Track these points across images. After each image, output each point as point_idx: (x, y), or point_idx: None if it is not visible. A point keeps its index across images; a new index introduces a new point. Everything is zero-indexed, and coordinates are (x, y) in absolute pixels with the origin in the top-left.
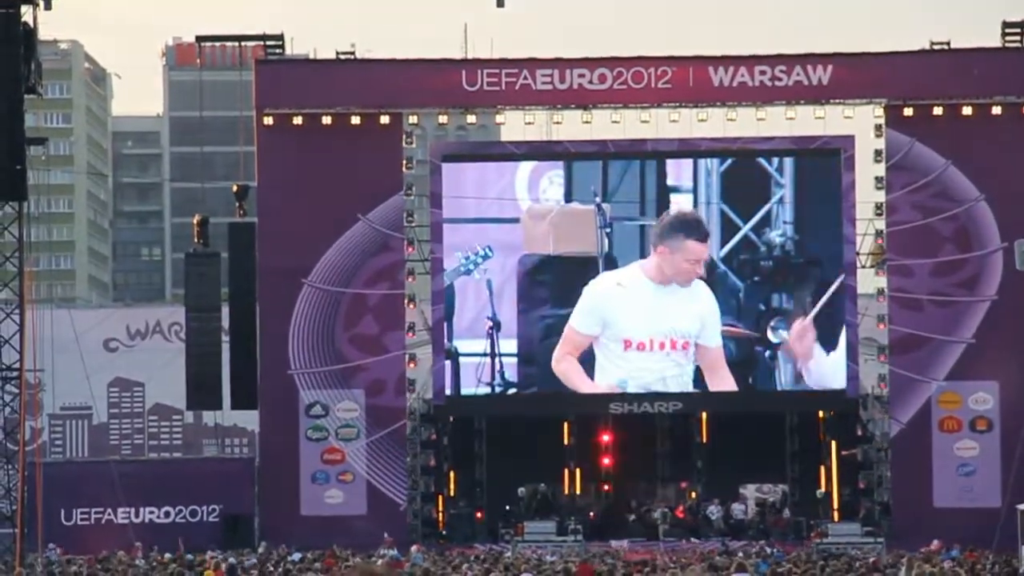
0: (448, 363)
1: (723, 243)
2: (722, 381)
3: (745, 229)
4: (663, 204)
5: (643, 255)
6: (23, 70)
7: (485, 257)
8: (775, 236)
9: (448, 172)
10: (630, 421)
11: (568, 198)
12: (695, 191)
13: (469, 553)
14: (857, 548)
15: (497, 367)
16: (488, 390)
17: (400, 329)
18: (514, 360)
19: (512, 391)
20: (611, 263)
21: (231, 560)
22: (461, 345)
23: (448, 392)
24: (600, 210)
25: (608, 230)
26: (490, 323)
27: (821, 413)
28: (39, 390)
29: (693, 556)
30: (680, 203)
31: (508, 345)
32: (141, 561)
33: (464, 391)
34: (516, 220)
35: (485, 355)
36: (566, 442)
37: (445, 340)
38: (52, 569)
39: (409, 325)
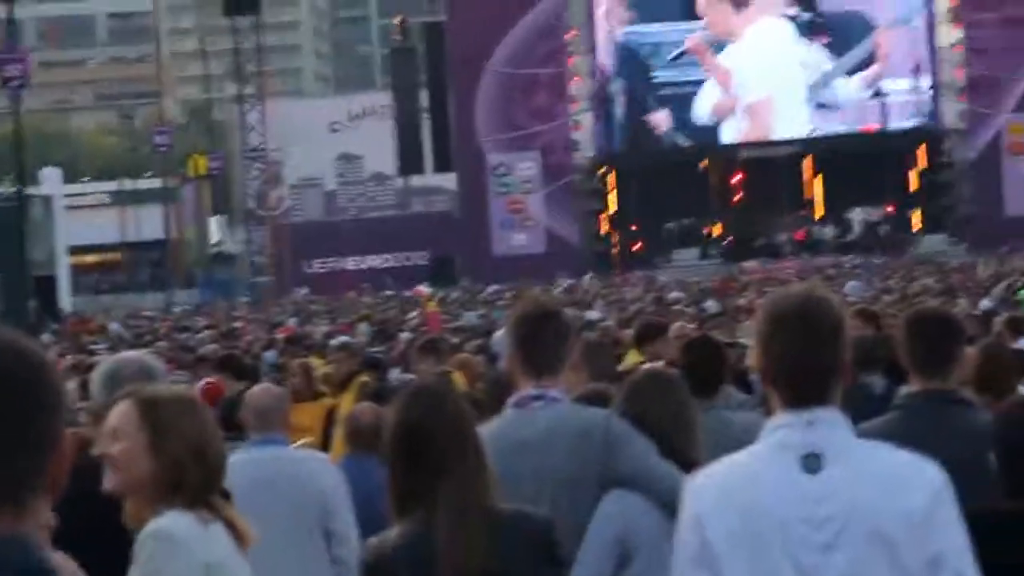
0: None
1: None
2: None
3: None
4: None
5: None
6: None
7: None
8: None
9: None
10: (755, 164)
11: None
12: None
13: (630, 277)
14: (943, 255)
15: None
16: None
17: (566, 100)
18: None
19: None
20: None
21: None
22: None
23: (603, 149)
24: None
25: None
26: None
27: (911, 148)
28: (281, 167)
29: (811, 271)
30: None
31: None
32: (367, 298)
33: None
34: None
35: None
36: (702, 184)
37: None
38: (301, 306)
39: (573, 95)
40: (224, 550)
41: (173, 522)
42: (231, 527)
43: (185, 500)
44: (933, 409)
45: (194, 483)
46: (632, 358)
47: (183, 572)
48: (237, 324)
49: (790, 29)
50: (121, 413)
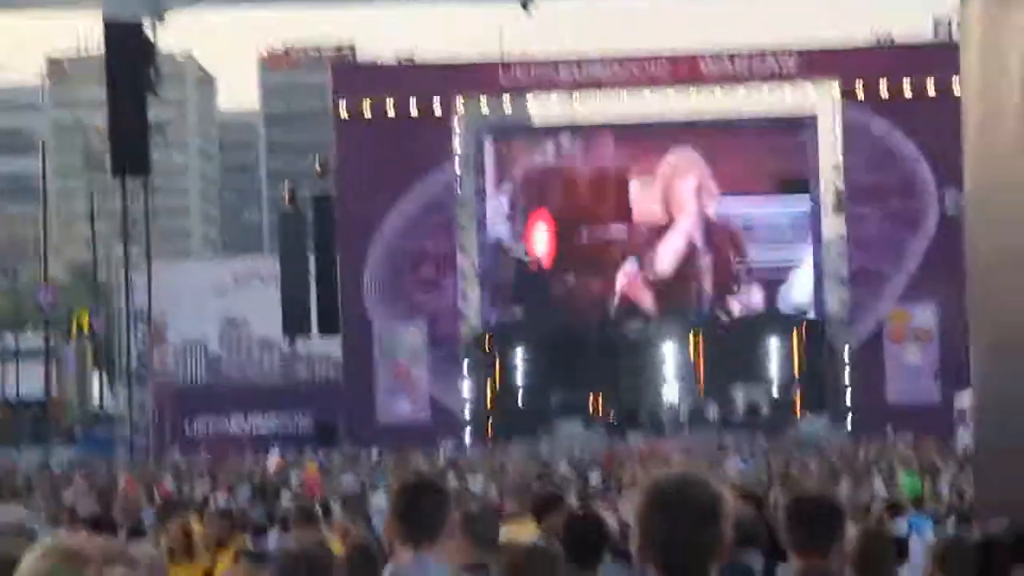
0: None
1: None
2: None
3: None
4: None
5: None
6: (145, 75)
7: None
8: None
9: (488, 146)
10: (640, 339)
11: None
12: None
13: (511, 448)
14: (824, 440)
15: None
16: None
17: (453, 271)
18: None
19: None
20: None
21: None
22: None
23: (490, 321)
24: None
25: None
26: None
27: (795, 331)
28: (165, 328)
29: (693, 449)
30: None
31: None
32: (248, 459)
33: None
34: None
35: None
36: (589, 356)
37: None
38: (179, 467)
39: (462, 268)
40: None
41: None
42: None
43: None
44: None
45: None
46: (527, 530)
47: None
48: (120, 482)
49: None
50: None
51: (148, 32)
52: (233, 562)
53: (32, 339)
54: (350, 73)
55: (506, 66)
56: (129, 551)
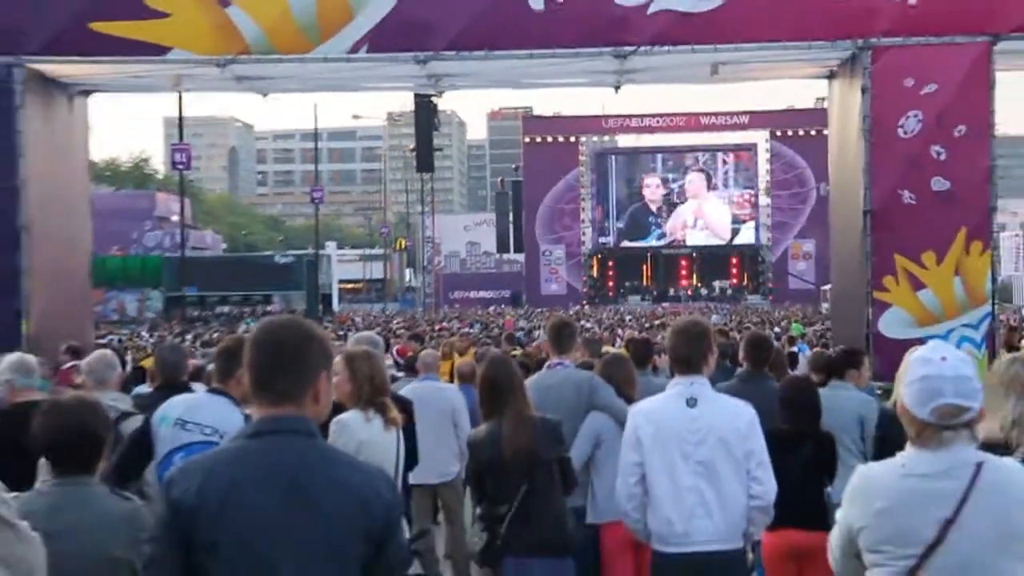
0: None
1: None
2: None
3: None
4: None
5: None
6: (432, 121)
7: None
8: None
9: (598, 159)
10: (668, 256)
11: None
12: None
13: (605, 308)
14: (759, 306)
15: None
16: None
17: (579, 220)
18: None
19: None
20: None
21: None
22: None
23: (596, 244)
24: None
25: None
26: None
27: (743, 252)
28: (439, 245)
29: (696, 310)
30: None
31: None
32: (479, 311)
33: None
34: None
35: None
36: (648, 266)
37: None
38: (446, 314)
39: (583, 219)
40: (374, 433)
41: (348, 416)
42: (389, 420)
43: (361, 404)
44: (752, 380)
45: (366, 396)
46: (612, 348)
47: (345, 443)
48: (418, 321)
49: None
50: (339, 361)
51: (435, 99)
52: (471, 358)
53: (377, 251)
54: (530, 121)
55: (605, 118)
56: None
